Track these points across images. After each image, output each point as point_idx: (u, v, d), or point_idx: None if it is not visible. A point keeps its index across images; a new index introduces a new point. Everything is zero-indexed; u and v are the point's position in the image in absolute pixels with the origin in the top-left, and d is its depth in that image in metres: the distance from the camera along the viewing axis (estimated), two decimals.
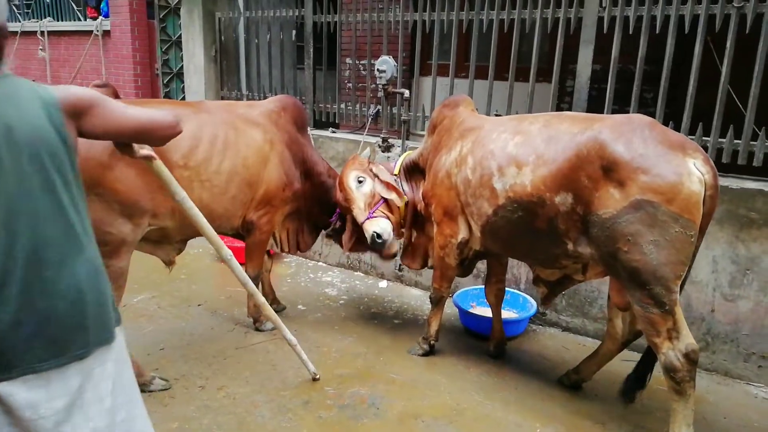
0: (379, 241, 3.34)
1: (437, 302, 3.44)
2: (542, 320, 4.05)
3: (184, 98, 6.83)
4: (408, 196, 3.52)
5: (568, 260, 2.79)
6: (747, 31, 3.22)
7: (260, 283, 3.87)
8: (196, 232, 3.29)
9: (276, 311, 4.01)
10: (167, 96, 6.92)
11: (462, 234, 3.19)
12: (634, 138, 2.41)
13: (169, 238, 3.22)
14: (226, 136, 3.24)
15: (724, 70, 3.30)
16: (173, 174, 2.91)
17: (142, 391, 2.95)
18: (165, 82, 6.86)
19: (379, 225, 3.37)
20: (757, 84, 3.22)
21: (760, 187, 3.21)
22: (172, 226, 3.10)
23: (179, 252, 3.39)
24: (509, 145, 2.81)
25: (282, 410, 2.92)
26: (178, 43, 6.79)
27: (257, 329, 3.75)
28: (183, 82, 6.89)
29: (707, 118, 3.38)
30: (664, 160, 2.34)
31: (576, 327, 3.92)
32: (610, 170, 2.42)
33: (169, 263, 3.37)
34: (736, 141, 3.32)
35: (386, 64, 4.36)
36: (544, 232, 2.70)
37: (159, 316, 3.94)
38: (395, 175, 3.55)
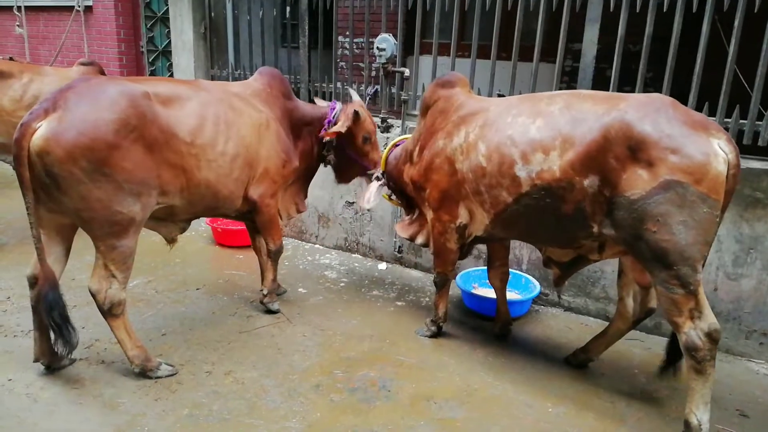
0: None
1: (443, 285, 3.41)
2: (544, 300, 4.07)
3: (172, 76, 6.65)
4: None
5: (588, 241, 2.77)
6: (755, 10, 3.20)
7: (261, 268, 3.83)
8: (203, 212, 3.31)
9: (277, 294, 3.98)
10: (153, 74, 6.72)
11: (461, 219, 3.15)
12: (659, 118, 2.39)
13: (174, 217, 3.15)
14: (226, 116, 3.17)
15: (732, 49, 3.29)
16: (182, 152, 2.91)
17: (149, 377, 2.92)
18: (150, 60, 6.65)
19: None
20: (764, 64, 3.21)
21: (765, 167, 3.23)
22: (180, 204, 3.04)
23: (182, 231, 3.32)
24: (531, 129, 2.71)
25: (292, 394, 2.88)
26: (164, 20, 6.59)
27: (263, 303, 3.72)
28: (169, 59, 6.70)
29: (713, 98, 3.38)
30: (690, 141, 2.33)
31: (578, 307, 3.94)
32: (638, 150, 2.39)
33: (171, 241, 3.31)
34: (741, 121, 3.33)
35: (386, 42, 4.28)
36: (569, 217, 2.66)
37: (157, 301, 3.85)
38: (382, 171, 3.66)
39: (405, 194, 3.57)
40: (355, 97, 3.80)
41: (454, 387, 3.02)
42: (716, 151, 2.32)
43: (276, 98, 3.56)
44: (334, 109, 3.67)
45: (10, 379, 2.89)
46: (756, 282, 3.33)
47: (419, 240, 3.50)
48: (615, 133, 2.46)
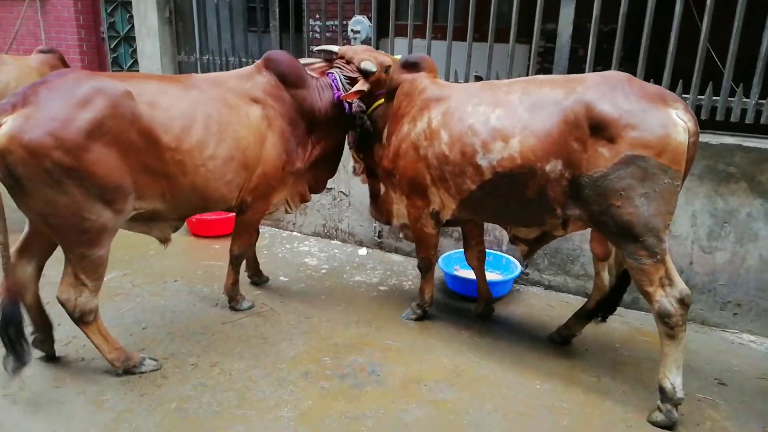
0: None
1: (427, 270, 3.42)
2: (525, 280, 4.12)
3: (135, 63, 6.44)
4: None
5: (553, 219, 2.81)
6: None
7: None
8: (192, 212, 3.16)
9: (257, 283, 3.91)
10: (115, 61, 6.51)
11: (434, 205, 3.15)
12: (617, 95, 2.44)
13: (160, 218, 2.99)
14: (220, 116, 2.95)
15: (704, 27, 3.35)
16: (164, 157, 2.73)
17: (133, 373, 2.85)
18: (112, 46, 6.43)
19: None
20: (736, 41, 3.29)
21: (737, 142, 3.32)
22: (164, 207, 2.88)
23: (176, 229, 3.16)
24: (491, 118, 2.74)
25: (282, 383, 2.85)
26: (124, 4, 6.37)
27: (233, 308, 3.57)
28: (132, 45, 6.49)
29: (686, 76, 3.44)
30: (649, 114, 2.38)
31: (558, 285, 4.00)
32: (599, 129, 2.44)
33: (165, 241, 3.15)
34: (714, 98, 3.40)
35: (360, 25, 4.23)
36: (532, 201, 2.70)
37: (135, 294, 3.75)
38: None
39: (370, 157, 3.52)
40: (335, 49, 3.44)
41: (442, 369, 3.03)
42: (675, 121, 2.38)
43: (281, 90, 3.23)
44: (333, 79, 3.36)
45: None
46: (730, 255, 3.43)
47: (395, 222, 3.49)
48: (575, 116, 2.50)
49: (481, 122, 2.78)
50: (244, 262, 3.71)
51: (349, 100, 3.30)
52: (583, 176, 2.51)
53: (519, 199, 2.74)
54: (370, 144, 3.47)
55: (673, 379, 2.52)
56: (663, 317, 2.50)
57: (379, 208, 3.58)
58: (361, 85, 3.29)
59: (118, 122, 2.53)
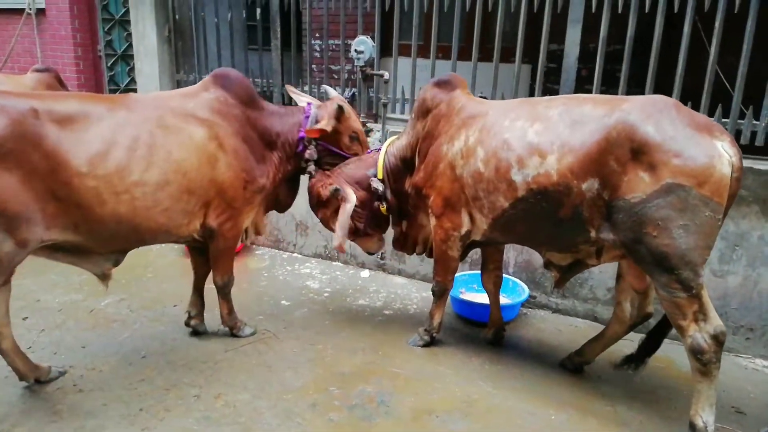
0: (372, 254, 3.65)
1: (441, 295, 3.33)
2: (532, 303, 4.04)
3: (132, 81, 6.37)
4: (392, 199, 3.36)
5: (586, 246, 2.74)
6: (735, 11, 3.25)
7: (193, 290, 3.49)
8: (129, 245, 2.86)
9: (197, 330, 3.49)
10: (112, 80, 6.43)
11: (465, 227, 3.07)
12: (662, 119, 2.37)
13: (89, 251, 2.73)
14: (151, 138, 2.70)
15: (713, 50, 3.33)
16: (72, 184, 2.47)
17: (40, 382, 2.80)
18: (109, 64, 6.36)
19: (372, 245, 3.55)
20: (745, 63, 3.27)
21: (749, 164, 3.28)
22: (82, 240, 2.62)
23: (116, 264, 2.88)
24: (528, 133, 2.67)
25: (289, 415, 2.75)
26: (122, 23, 6.31)
27: (234, 335, 3.45)
28: (129, 64, 6.42)
29: (694, 98, 3.42)
30: (694, 143, 2.31)
31: (566, 308, 3.94)
32: (641, 153, 2.37)
33: (104, 278, 2.86)
34: (724, 119, 3.37)
35: (364, 45, 4.19)
36: (566, 221, 2.63)
37: (132, 321, 3.64)
38: (380, 179, 3.29)
39: (399, 204, 3.40)
40: (333, 93, 3.53)
41: (453, 398, 2.94)
42: (720, 153, 2.31)
43: (233, 107, 3.05)
44: (309, 111, 3.29)
45: None
46: (742, 278, 3.38)
47: (419, 250, 3.43)
48: (617, 134, 2.43)
49: (518, 137, 2.71)
50: (192, 298, 3.49)
51: (311, 135, 3.20)
52: (620, 199, 2.43)
53: (552, 218, 2.66)
54: (399, 188, 3.36)
55: (706, 418, 2.44)
56: (696, 353, 2.42)
57: (404, 242, 3.51)
58: (326, 124, 3.20)
59: (18, 143, 2.32)
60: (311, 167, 3.34)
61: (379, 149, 3.41)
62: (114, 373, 3.04)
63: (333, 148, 3.36)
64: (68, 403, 2.77)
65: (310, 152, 3.28)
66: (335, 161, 3.40)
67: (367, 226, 3.43)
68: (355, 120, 3.41)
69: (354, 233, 3.44)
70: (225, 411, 2.76)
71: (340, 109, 3.27)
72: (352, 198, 3.21)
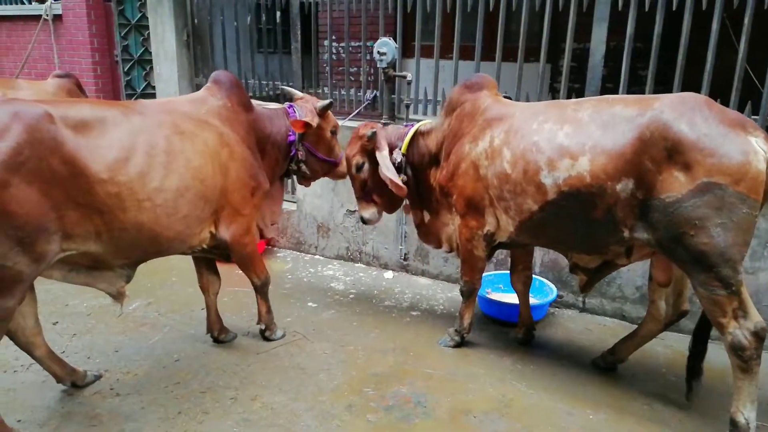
0: (365, 223, 3.59)
1: (469, 295, 3.33)
2: (560, 303, 4.03)
3: (149, 86, 6.39)
4: (410, 177, 3.39)
5: (617, 246, 2.73)
6: (765, 7, 3.24)
7: (208, 310, 3.39)
8: (144, 256, 2.79)
9: (224, 341, 3.45)
10: (129, 84, 6.45)
11: (489, 226, 3.07)
12: (695, 117, 2.36)
13: (104, 264, 2.65)
14: (169, 144, 2.66)
15: (742, 46, 3.32)
16: (94, 190, 2.40)
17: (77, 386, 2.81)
18: (126, 69, 6.38)
19: (368, 211, 3.53)
20: None
21: None
22: (102, 249, 2.53)
23: (128, 280, 2.79)
24: (558, 135, 2.66)
25: (326, 417, 2.75)
26: (138, 27, 6.34)
27: (266, 338, 3.45)
28: (145, 68, 6.45)
29: (724, 96, 3.40)
30: (728, 140, 2.30)
31: (594, 307, 3.92)
32: (675, 152, 2.36)
33: (119, 296, 2.76)
34: (753, 117, 3.36)
35: (387, 46, 4.18)
36: (598, 222, 2.61)
37: (162, 324, 3.65)
38: (402, 153, 3.35)
39: (419, 192, 3.44)
40: (299, 94, 3.55)
41: (489, 398, 2.94)
42: (755, 149, 2.31)
43: (238, 114, 3.07)
44: (292, 112, 3.33)
45: (19, 420, 2.66)
46: None
47: (445, 247, 3.43)
48: (651, 134, 2.42)
49: (547, 139, 2.69)
50: (210, 315, 3.42)
51: (296, 129, 3.25)
52: (655, 199, 2.42)
53: (584, 220, 2.64)
54: (420, 174, 3.40)
55: (747, 414, 2.43)
56: (736, 350, 2.41)
57: (428, 233, 3.52)
58: (311, 118, 3.27)
59: (36, 150, 2.23)
60: (303, 167, 3.44)
61: (413, 125, 3.44)
62: (149, 376, 3.05)
63: (317, 152, 3.44)
64: (107, 407, 2.78)
65: (302, 153, 3.38)
66: (318, 166, 3.50)
67: (374, 189, 3.46)
68: (332, 115, 3.52)
69: (362, 189, 3.51)
70: (263, 413, 2.77)
71: (329, 105, 3.40)
72: (385, 148, 3.31)
